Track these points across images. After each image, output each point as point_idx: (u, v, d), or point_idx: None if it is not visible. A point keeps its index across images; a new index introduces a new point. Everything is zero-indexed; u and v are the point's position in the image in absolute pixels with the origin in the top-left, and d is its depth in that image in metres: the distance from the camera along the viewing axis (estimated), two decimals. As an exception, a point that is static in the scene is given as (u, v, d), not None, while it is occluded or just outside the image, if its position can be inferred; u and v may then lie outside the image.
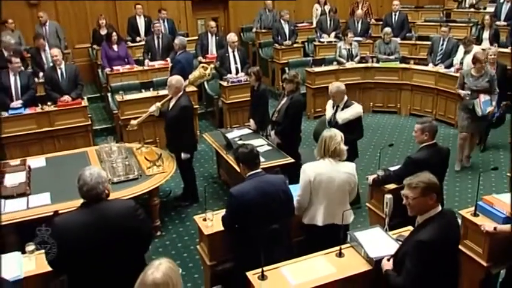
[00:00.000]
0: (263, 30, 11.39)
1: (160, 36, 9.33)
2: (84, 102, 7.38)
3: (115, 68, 8.85)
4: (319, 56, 10.26)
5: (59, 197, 4.81)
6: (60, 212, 4.25)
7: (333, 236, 3.81)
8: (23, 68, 7.57)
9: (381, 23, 11.11)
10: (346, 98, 5.60)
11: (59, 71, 7.34)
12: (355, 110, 5.54)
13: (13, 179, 5.12)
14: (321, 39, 10.83)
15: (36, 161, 5.72)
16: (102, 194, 3.19)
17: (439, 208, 3.14)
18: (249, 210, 3.63)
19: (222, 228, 3.91)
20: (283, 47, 10.30)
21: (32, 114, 7.02)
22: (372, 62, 9.31)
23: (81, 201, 3.20)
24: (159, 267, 2.39)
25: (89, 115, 7.49)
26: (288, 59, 10.00)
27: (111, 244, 3.13)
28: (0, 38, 8.52)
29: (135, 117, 6.32)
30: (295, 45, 10.49)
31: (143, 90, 7.99)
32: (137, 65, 9.12)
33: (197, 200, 6.16)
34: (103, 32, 9.70)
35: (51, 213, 4.37)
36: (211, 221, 4.04)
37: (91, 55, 10.66)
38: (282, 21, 10.50)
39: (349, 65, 9.23)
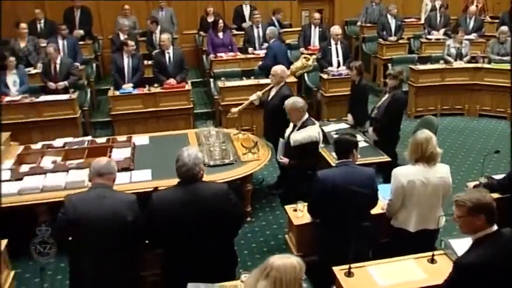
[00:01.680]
0: (368, 25, 11.12)
1: (260, 26, 9.45)
2: (188, 86, 7.70)
3: (219, 54, 9.13)
4: (425, 53, 9.84)
5: (158, 174, 5.07)
6: (159, 188, 4.47)
7: (423, 242, 3.71)
8: (134, 52, 8.03)
9: (497, 21, 10.43)
10: (305, 116, 4.92)
11: (166, 55, 7.70)
12: (308, 132, 4.82)
13: (119, 154, 5.48)
14: (429, 36, 10.37)
15: (141, 139, 6.06)
16: (198, 174, 3.33)
17: (493, 228, 2.85)
18: (332, 195, 3.65)
19: (311, 219, 3.93)
20: (387, 42, 10.00)
21: (139, 95, 7.47)
22: (483, 62, 8.78)
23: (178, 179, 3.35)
24: (284, 259, 2.41)
25: (191, 99, 7.79)
26: (392, 55, 9.71)
27: (203, 224, 3.26)
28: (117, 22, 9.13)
29: (235, 104, 6.48)
30: (400, 41, 10.14)
31: (244, 78, 8.15)
32: (240, 53, 9.32)
33: (289, 190, 6.21)
34: (210, 19, 10.01)
35: (151, 189, 4.61)
36: (302, 212, 4.07)
37: (197, 41, 11.04)
38: (389, 16, 10.18)
39: (457, 64, 8.76)
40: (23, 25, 8.71)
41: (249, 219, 5.65)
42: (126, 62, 7.66)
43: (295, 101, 4.93)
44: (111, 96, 7.46)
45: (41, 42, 8.86)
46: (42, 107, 7.24)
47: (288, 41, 9.96)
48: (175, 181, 3.41)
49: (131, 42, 7.68)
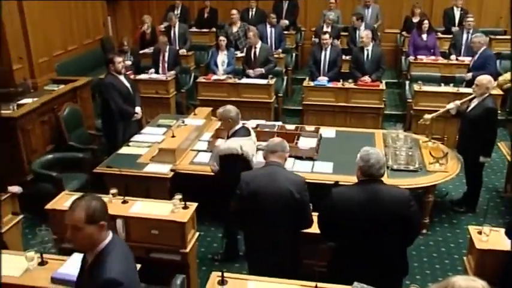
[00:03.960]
0: None
1: (471, 31, 8.77)
2: (382, 86, 7.57)
3: (419, 57, 8.81)
4: None
5: (340, 169, 5.11)
6: (339, 183, 4.52)
7: None
8: (333, 44, 8.13)
9: None
10: (237, 127, 4.56)
11: (365, 52, 7.66)
12: (228, 144, 4.46)
13: (305, 143, 5.66)
14: None
15: (328, 131, 6.16)
16: (382, 176, 3.30)
17: None
18: None
19: (498, 247, 3.61)
20: None
21: (332, 88, 7.58)
22: None
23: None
24: (469, 281, 2.16)
25: (383, 99, 7.65)
26: None
27: (379, 226, 3.21)
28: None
29: (429, 110, 6.18)
30: None
31: (442, 84, 7.73)
32: (442, 58, 8.84)
33: (474, 210, 5.76)
34: (415, 19, 9.66)
35: (332, 183, 4.68)
36: (487, 237, 3.74)
37: (398, 41, 10.77)
38: None
39: None
40: (233, 11, 9.65)
41: (425, 231, 5.39)
42: (323, 54, 7.82)
43: (226, 109, 4.61)
44: (306, 86, 7.71)
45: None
46: (243, 88, 7.81)
47: (497, 49, 9.11)
48: (355, 178, 3.41)
49: (325, 36, 7.80)
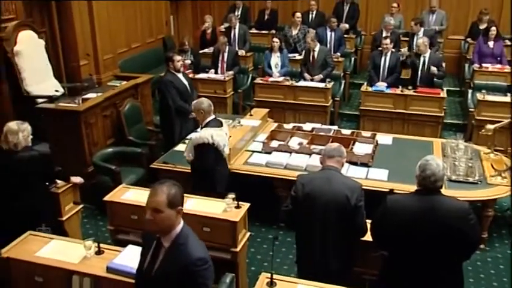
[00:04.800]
0: None
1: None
2: (443, 94, 7.36)
3: (484, 65, 8.48)
4: None
5: (395, 176, 5.02)
6: (394, 191, 4.42)
7: None
8: (393, 50, 7.98)
9: None
10: (209, 118, 4.73)
11: (421, 59, 7.47)
12: (200, 134, 4.65)
13: (361, 149, 5.59)
14: None
15: (384, 138, 6.05)
16: (441, 187, 3.21)
17: None
18: None
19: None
20: None
21: (391, 94, 7.43)
22: None
23: (414, 187, 3.26)
24: None
25: (444, 107, 7.43)
26: None
27: (434, 238, 3.12)
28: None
29: (492, 121, 5.97)
30: None
31: (508, 94, 7.41)
32: (510, 66, 8.48)
33: (536, 228, 5.50)
34: (482, 26, 9.33)
35: (387, 190, 4.59)
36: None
37: (462, 48, 10.42)
38: None
39: None
40: (298, 14, 9.52)
41: (482, 246, 5.19)
42: (383, 60, 7.70)
43: (199, 101, 4.80)
44: (364, 91, 7.59)
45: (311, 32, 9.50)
46: (299, 91, 7.81)
47: None
48: (410, 187, 3.35)
49: (386, 41, 7.67)
